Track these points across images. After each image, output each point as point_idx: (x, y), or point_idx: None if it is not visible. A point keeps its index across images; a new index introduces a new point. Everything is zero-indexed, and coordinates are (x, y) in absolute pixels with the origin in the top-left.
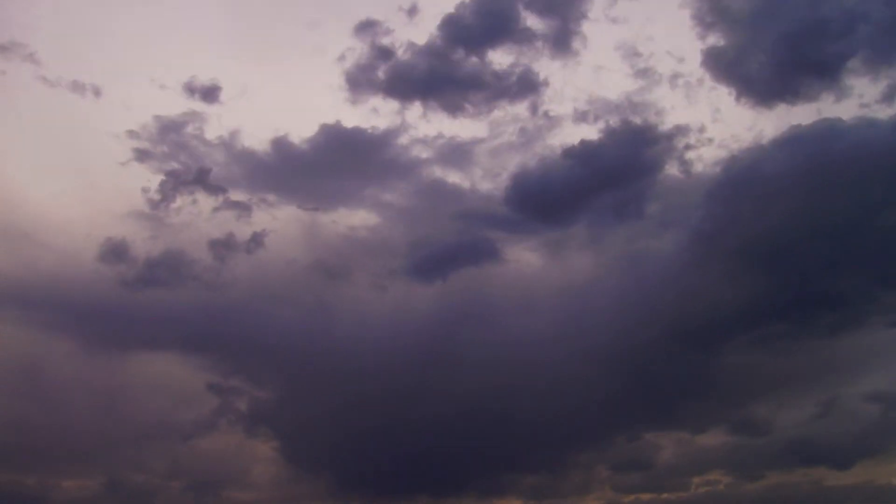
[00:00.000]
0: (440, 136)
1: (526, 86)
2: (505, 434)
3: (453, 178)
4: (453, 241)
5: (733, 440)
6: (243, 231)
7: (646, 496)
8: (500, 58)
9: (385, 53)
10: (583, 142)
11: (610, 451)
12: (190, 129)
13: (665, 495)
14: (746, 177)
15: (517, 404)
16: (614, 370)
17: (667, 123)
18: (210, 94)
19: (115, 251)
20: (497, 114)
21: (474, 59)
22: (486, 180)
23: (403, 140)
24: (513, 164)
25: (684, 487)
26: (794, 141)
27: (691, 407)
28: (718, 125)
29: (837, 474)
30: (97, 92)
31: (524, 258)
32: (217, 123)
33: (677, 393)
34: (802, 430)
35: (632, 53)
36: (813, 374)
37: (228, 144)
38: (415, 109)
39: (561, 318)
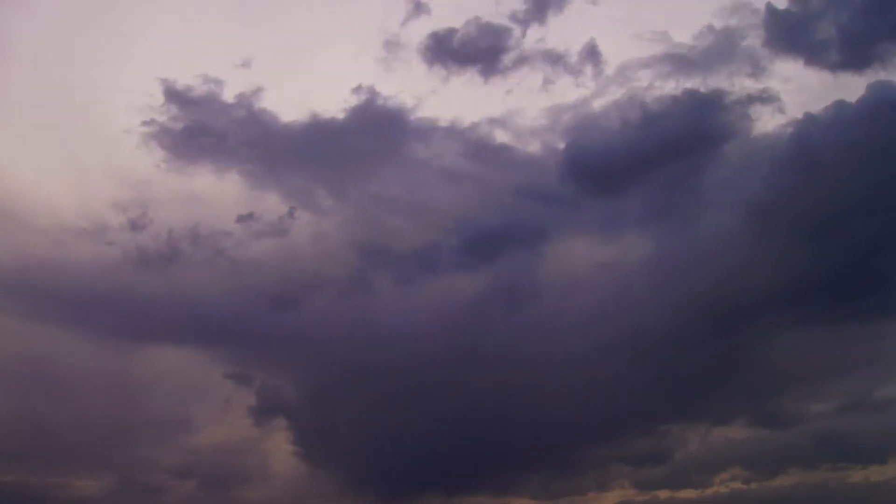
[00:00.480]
0: (487, 105)
1: (582, 53)
2: (520, 430)
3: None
4: (500, 219)
5: (758, 433)
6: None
7: (664, 493)
8: (550, 26)
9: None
10: (643, 109)
11: (629, 446)
12: (216, 95)
13: (685, 492)
14: (809, 146)
15: (533, 400)
16: (639, 360)
17: (735, 92)
18: (242, 61)
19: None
20: (552, 83)
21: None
22: (538, 149)
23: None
24: (568, 133)
25: (705, 483)
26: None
27: (715, 398)
28: (785, 94)
29: (869, 470)
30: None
31: (570, 238)
32: (247, 89)
33: (700, 383)
34: (832, 422)
35: (689, 16)
36: (849, 362)
37: (260, 111)
38: (464, 76)
39: (589, 303)
